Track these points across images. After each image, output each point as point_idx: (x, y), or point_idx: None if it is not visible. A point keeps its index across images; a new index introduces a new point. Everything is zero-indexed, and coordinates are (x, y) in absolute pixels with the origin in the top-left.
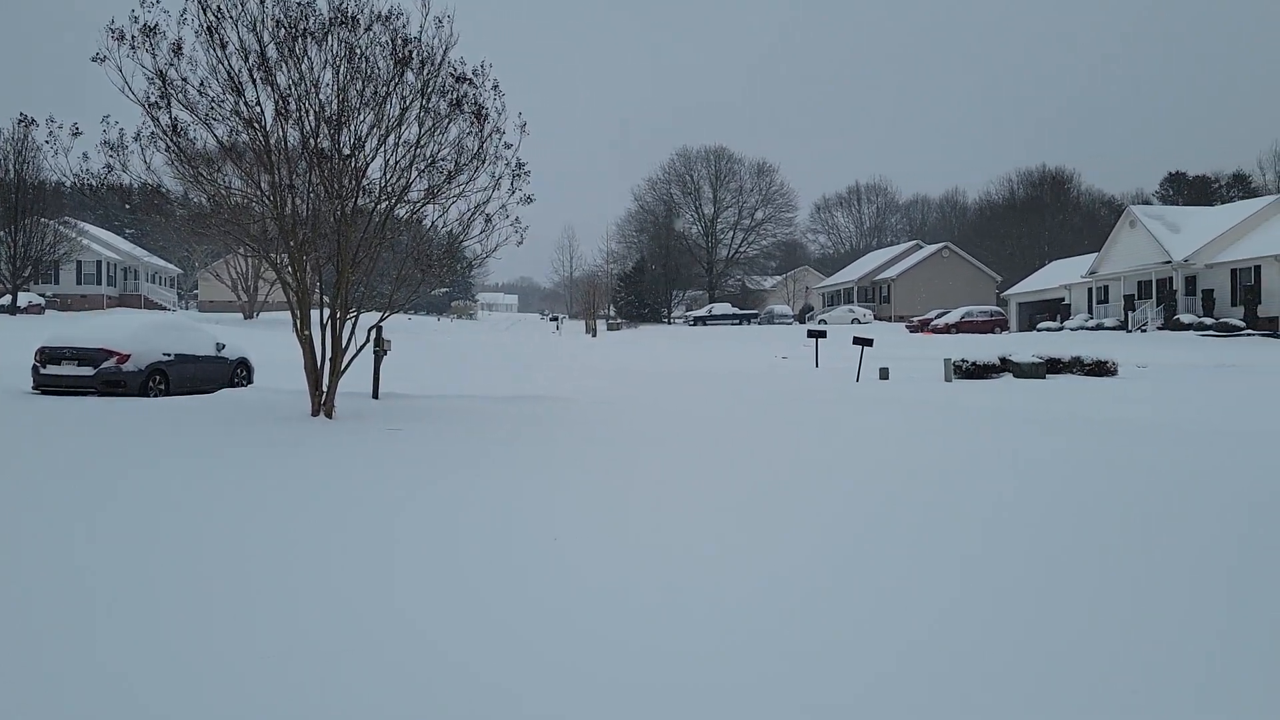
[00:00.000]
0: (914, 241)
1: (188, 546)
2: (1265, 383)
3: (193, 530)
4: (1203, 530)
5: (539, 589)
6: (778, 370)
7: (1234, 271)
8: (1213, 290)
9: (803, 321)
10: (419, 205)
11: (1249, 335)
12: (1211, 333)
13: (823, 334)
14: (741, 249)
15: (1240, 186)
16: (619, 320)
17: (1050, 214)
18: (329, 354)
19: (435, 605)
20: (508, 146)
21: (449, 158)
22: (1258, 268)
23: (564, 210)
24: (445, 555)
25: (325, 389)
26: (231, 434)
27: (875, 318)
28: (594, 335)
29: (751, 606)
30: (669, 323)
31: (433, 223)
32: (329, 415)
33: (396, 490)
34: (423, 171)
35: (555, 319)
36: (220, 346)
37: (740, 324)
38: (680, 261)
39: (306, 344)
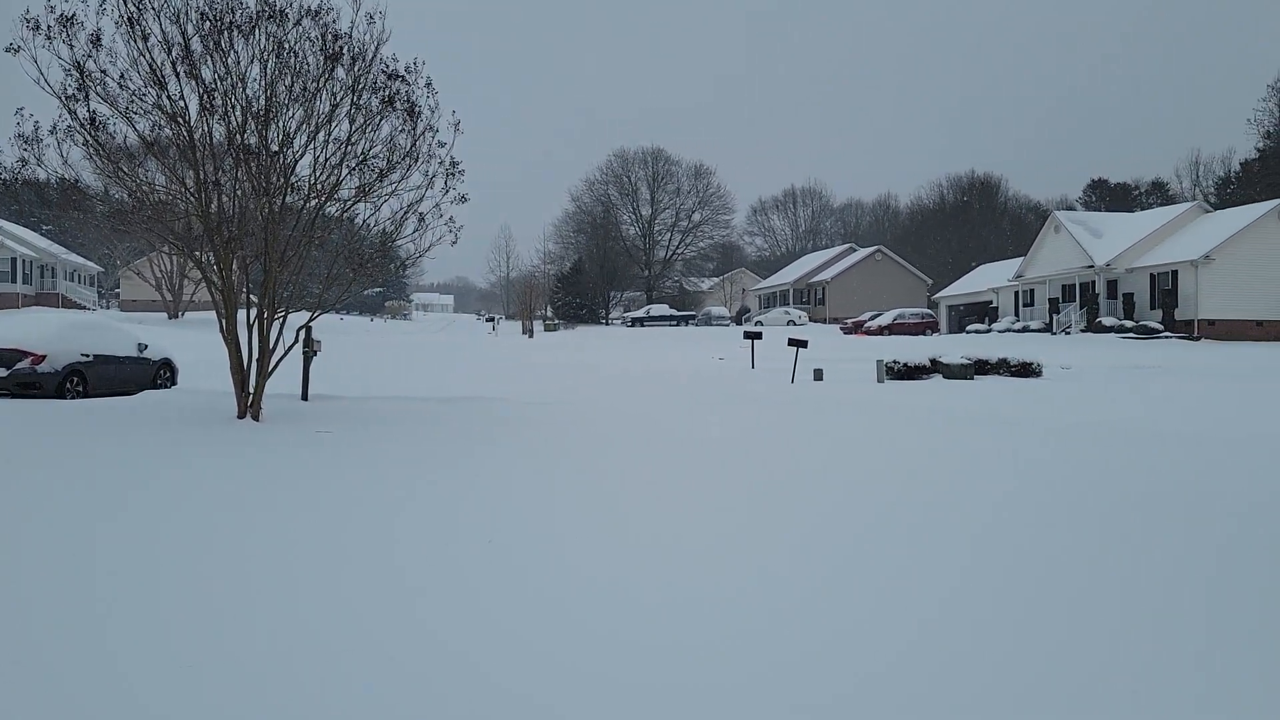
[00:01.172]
0: (848, 245)
1: (88, 555)
2: (1182, 383)
3: (99, 537)
4: (1142, 525)
5: (482, 594)
6: (714, 371)
7: (1153, 276)
8: (1133, 294)
9: (739, 323)
10: (350, 203)
11: (1167, 337)
12: (1131, 335)
13: (758, 335)
14: (679, 250)
15: (1159, 193)
16: (556, 321)
17: (979, 219)
18: (256, 355)
19: (350, 613)
20: (441, 145)
21: (381, 155)
22: (1175, 272)
23: (501, 210)
24: (380, 560)
25: (252, 391)
26: (151, 436)
27: (810, 319)
28: (531, 336)
29: (712, 609)
30: (607, 324)
31: (364, 221)
32: (255, 417)
33: (325, 494)
34: (354, 169)
35: (492, 319)
36: (142, 347)
37: (678, 325)
38: (618, 262)
39: (233, 344)
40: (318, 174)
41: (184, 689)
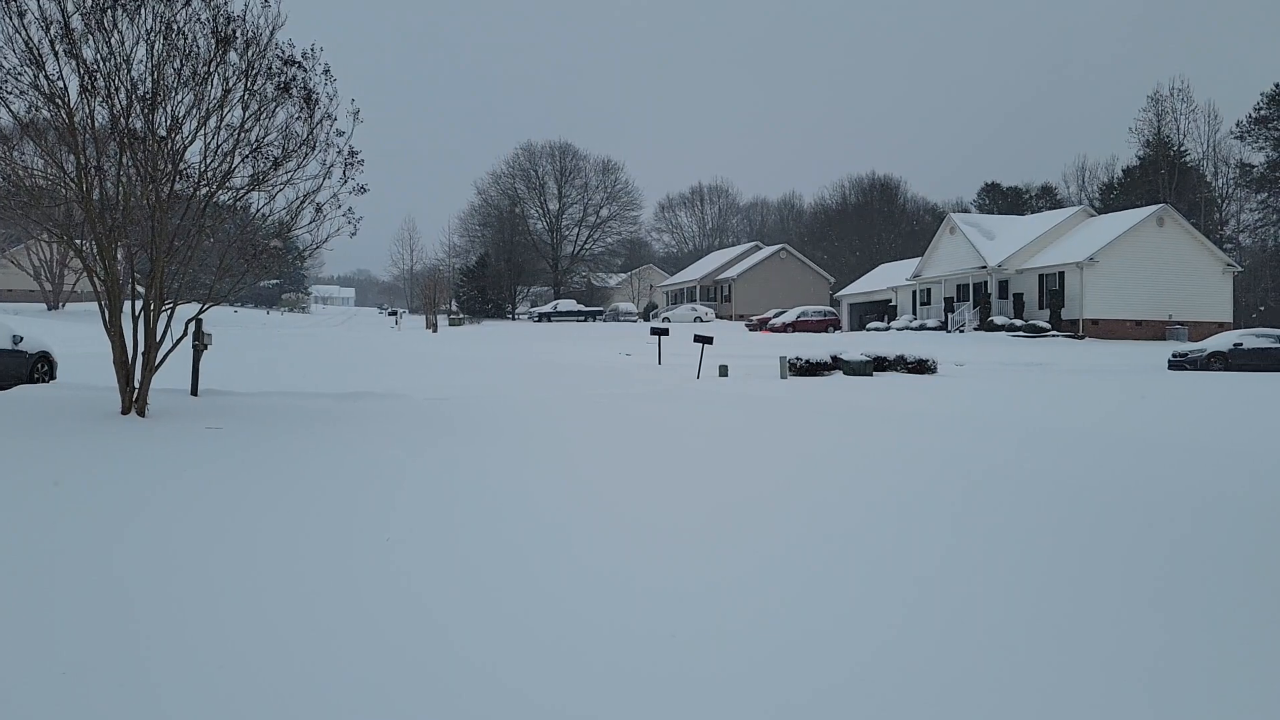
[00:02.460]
0: (754, 243)
1: None
2: (1067, 380)
3: None
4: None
5: (371, 598)
6: (621, 367)
7: (1041, 277)
8: (1023, 294)
9: (647, 319)
10: (243, 192)
11: (1054, 336)
12: (1021, 334)
13: (665, 332)
14: (587, 246)
15: (1048, 198)
16: (462, 316)
17: (879, 219)
18: (143, 348)
19: (224, 617)
20: (340, 134)
21: (276, 143)
22: (1062, 274)
23: (405, 202)
24: (267, 561)
25: (138, 385)
26: (25, 432)
27: (717, 316)
28: (435, 330)
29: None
30: (514, 319)
31: (259, 211)
32: (141, 413)
33: (213, 491)
34: (247, 157)
35: (394, 313)
36: (17, 339)
37: (585, 321)
38: (525, 257)
39: (116, 337)
40: (208, 161)
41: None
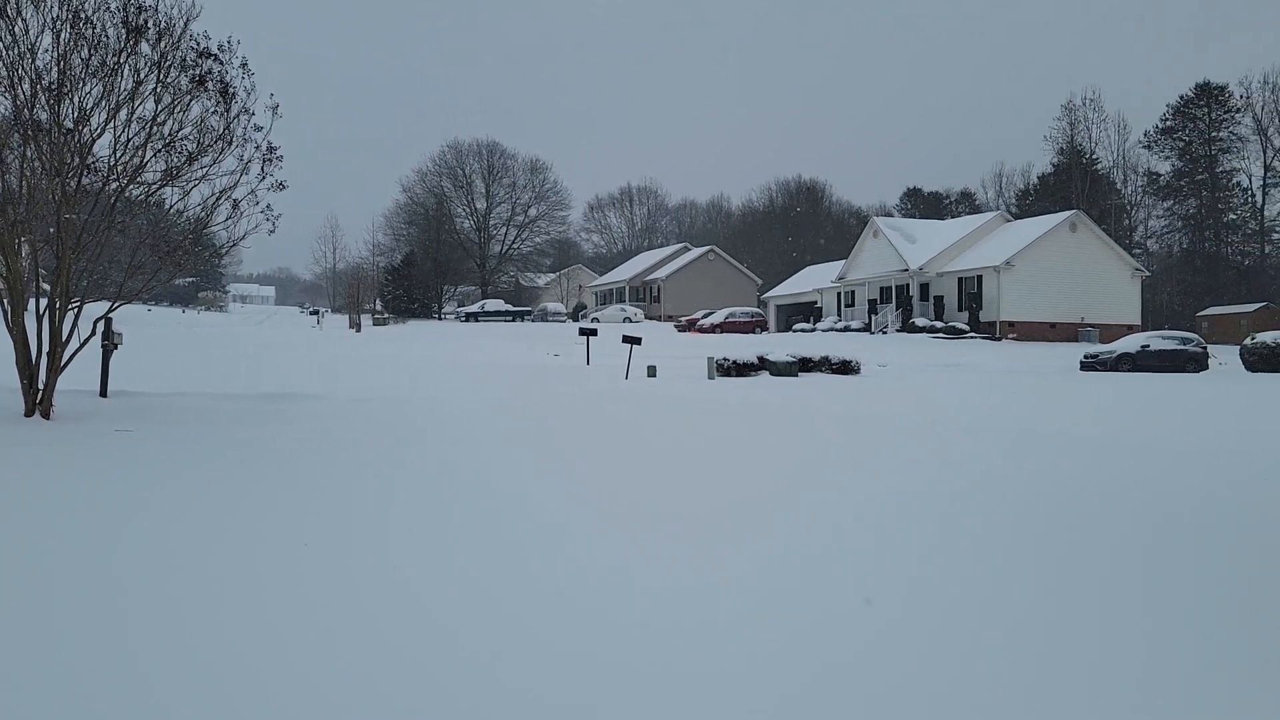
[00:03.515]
0: (683, 244)
1: None
2: (985, 380)
3: None
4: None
5: (278, 607)
6: (549, 367)
7: (960, 280)
8: (943, 296)
9: (576, 319)
10: (156, 187)
11: (973, 338)
12: (942, 335)
13: (593, 332)
14: (515, 245)
15: (967, 203)
16: (386, 315)
17: (806, 222)
18: (48, 348)
19: (124, 625)
20: (258, 129)
21: (191, 137)
22: (980, 277)
23: (328, 199)
24: (175, 567)
25: (42, 387)
26: None
27: (646, 317)
28: (358, 330)
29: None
30: (440, 318)
31: (172, 206)
32: (45, 415)
33: (118, 494)
34: (159, 151)
35: (316, 312)
36: None
37: (514, 321)
38: (452, 256)
39: (19, 337)
40: (119, 154)
41: None
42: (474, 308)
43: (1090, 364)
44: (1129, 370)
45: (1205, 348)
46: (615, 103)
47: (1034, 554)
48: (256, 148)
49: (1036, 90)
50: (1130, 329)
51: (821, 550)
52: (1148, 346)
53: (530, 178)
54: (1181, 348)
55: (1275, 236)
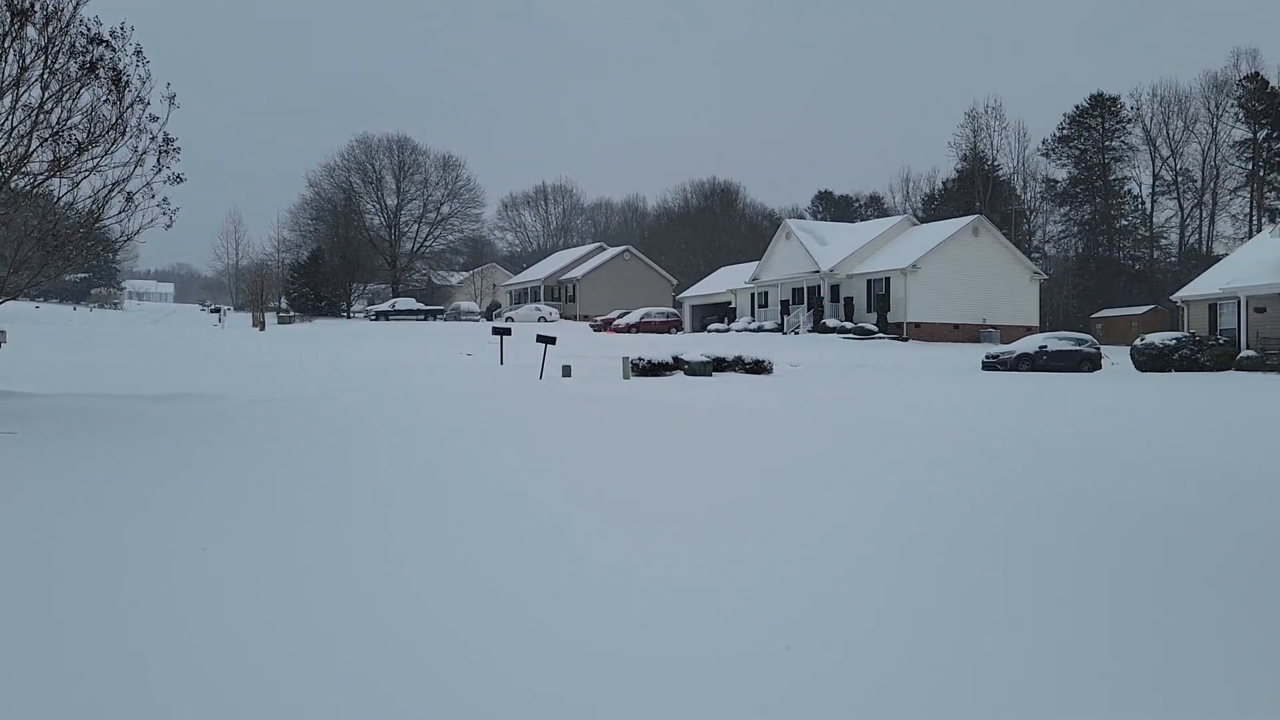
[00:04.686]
0: (598, 244)
1: None
2: (892, 379)
3: None
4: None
5: (139, 626)
6: (462, 367)
7: (869, 282)
8: (853, 298)
9: (490, 319)
10: (42, 178)
11: (881, 338)
12: (852, 335)
13: (507, 331)
14: (427, 243)
15: (875, 206)
16: (292, 313)
17: (720, 223)
18: None
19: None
20: (154, 119)
21: (81, 126)
22: (888, 279)
23: (230, 193)
24: (80, 578)
25: None
26: None
27: (562, 316)
28: (262, 329)
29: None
30: (349, 317)
31: (60, 198)
32: None
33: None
34: (46, 140)
35: (218, 310)
36: None
37: (425, 320)
38: (361, 253)
39: None
40: (2, 144)
41: None
42: (384, 306)
43: (991, 364)
44: (1028, 370)
45: (1099, 348)
46: (528, 101)
47: (908, 542)
48: (152, 138)
49: (942, 98)
50: (1029, 330)
51: (719, 542)
52: (1045, 347)
53: (442, 174)
54: (1077, 348)
55: (1163, 242)
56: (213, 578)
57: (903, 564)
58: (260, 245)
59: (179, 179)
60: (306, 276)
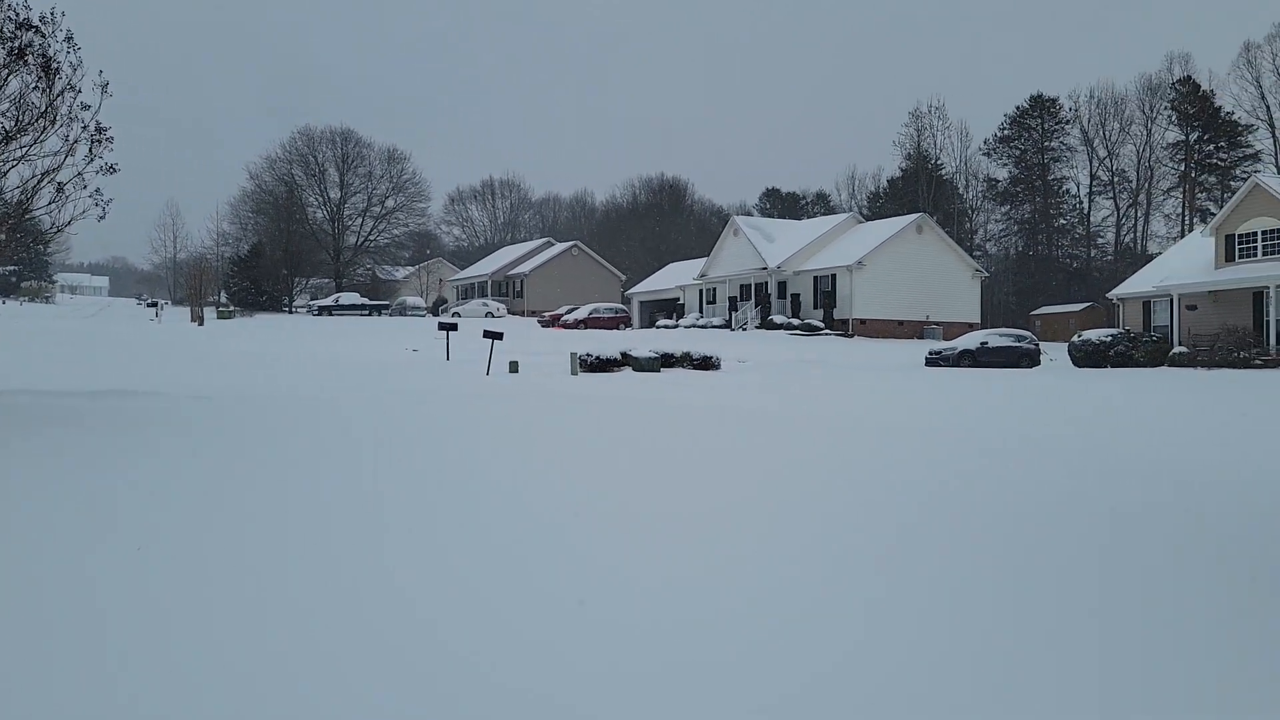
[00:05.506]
0: (546, 239)
1: None
2: (837, 375)
3: None
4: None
5: (58, 636)
6: (407, 363)
7: (816, 278)
8: (800, 294)
9: (436, 314)
10: None
11: (827, 334)
12: (799, 332)
13: (454, 327)
14: (372, 237)
15: (822, 204)
16: (232, 308)
17: (669, 219)
18: None
19: None
20: (85, 108)
21: (9, 115)
22: (834, 276)
23: (168, 184)
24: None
25: None
26: None
27: (509, 312)
28: (201, 324)
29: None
30: (291, 312)
31: None
32: None
33: None
34: None
35: (154, 304)
36: None
37: (370, 315)
38: (304, 247)
39: None
40: None
41: None
42: (327, 301)
43: (935, 360)
44: (970, 365)
45: (1038, 345)
46: (474, 95)
47: (892, 538)
48: (84, 127)
49: (887, 97)
50: (971, 327)
51: (672, 538)
52: (986, 343)
53: (387, 168)
54: (1017, 345)
55: (1100, 241)
56: (150, 576)
57: (895, 560)
58: (199, 238)
59: (112, 169)
60: (247, 270)
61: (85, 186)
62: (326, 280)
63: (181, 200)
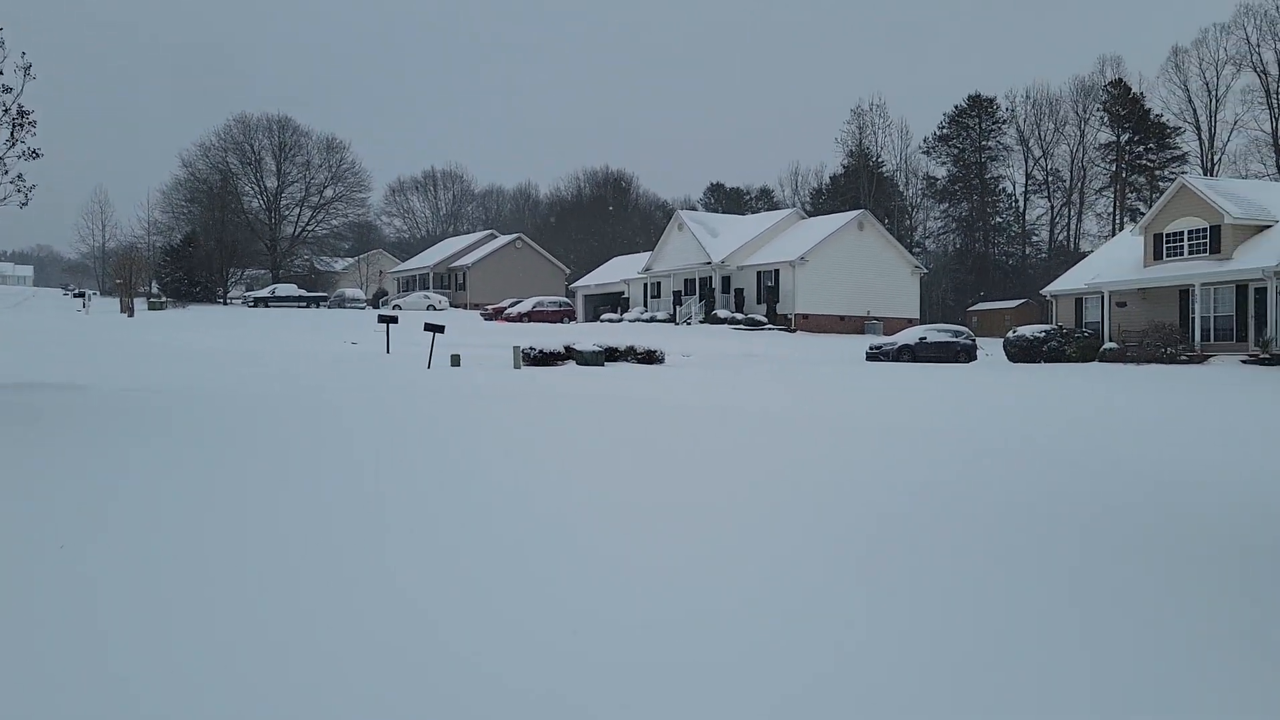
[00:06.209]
0: (489, 231)
1: None
2: (780, 369)
3: None
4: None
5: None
6: (345, 356)
7: (759, 273)
8: (743, 289)
9: (377, 306)
10: None
11: (770, 329)
12: (742, 326)
13: (394, 320)
14: (310, 227)
15: (766, 199)
16: (164, 299)
17: (613, 213)
18: None
19: None
20: (7, 90)
21: None
22: (777, 271)
23: (96, 171)
24: None
25: None
26: None
27: (451, 305)
28: (131, 314)
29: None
30: (225, 303)
31: None
32: None
33: None
34: None
35: (82, 294)
36: None
37: (308, 307)
38: (239, 237)
39: None
40: None
41: None
42: (264, 292)
43: (875, 355)
44: (909, 360)
45: (974, 340)
46: (414, 85)
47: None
48: (5, 110)
49: (831, 94)
50: (910, 322)
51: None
52: (925, 339)
53: (326, 156)
54: (954, 340)
55: (1035, 239)
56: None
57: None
58: (129, 227)
59: (35, 154)
60: (180, 260)
61: (6, 172)
62: (263, 271)
63: (111, 187)
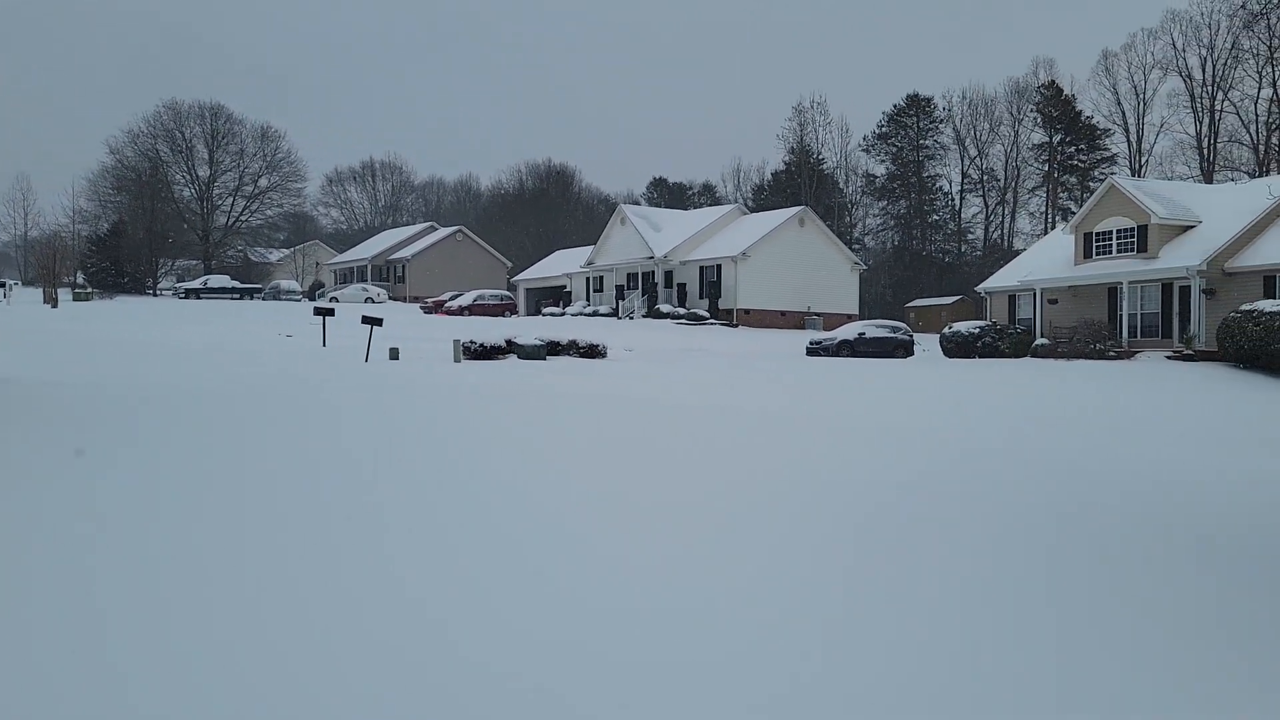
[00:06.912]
0: (429, 223)
1: None
2: (722, 364)
3: None
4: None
5: None
6: (279, 349)
7: (701, 268)
8: (686, 284)
9: (313, 298)
10: None
11: (712, 324)
12: (685, 321)
13: (330, 312)
14: (244, 218)
15: (708, 195)
16: (90, 289)
17: (556, 206)
18: None
19: None
20: None
21: None
22: (719, 266)
23: (16, 158)
24: None
25: None
26: None
27: (391, 298)
28: (55, 305)
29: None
30: (155, 294)
31: None
32: None
33: None
34: None
35: (3, 285)
36: None
37: (241, 298)
38: (170, 226)
39: None
40: None
41: None
42: (195, 284)
43: (815, 349)
44: (849, 355)
45: (912, 336)
46: (351, 74)
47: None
48: None
49: (772, 91)
50: (850, 318)
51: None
52: (864, 334)
53: (261, 145)
54: (892, 335)
55: (970, 237)
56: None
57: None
58: (53, 215)
59: None
60: (107, 250)
61: None
62: (195, 262)
63: (33, 174)
